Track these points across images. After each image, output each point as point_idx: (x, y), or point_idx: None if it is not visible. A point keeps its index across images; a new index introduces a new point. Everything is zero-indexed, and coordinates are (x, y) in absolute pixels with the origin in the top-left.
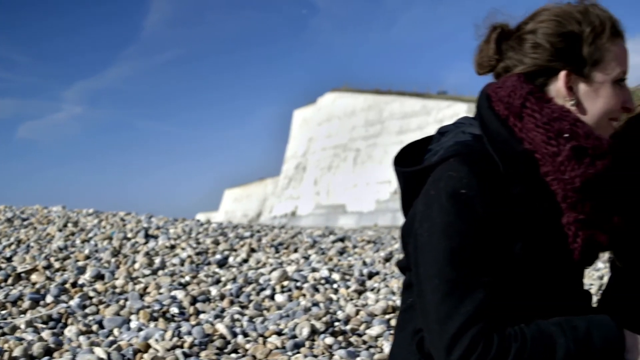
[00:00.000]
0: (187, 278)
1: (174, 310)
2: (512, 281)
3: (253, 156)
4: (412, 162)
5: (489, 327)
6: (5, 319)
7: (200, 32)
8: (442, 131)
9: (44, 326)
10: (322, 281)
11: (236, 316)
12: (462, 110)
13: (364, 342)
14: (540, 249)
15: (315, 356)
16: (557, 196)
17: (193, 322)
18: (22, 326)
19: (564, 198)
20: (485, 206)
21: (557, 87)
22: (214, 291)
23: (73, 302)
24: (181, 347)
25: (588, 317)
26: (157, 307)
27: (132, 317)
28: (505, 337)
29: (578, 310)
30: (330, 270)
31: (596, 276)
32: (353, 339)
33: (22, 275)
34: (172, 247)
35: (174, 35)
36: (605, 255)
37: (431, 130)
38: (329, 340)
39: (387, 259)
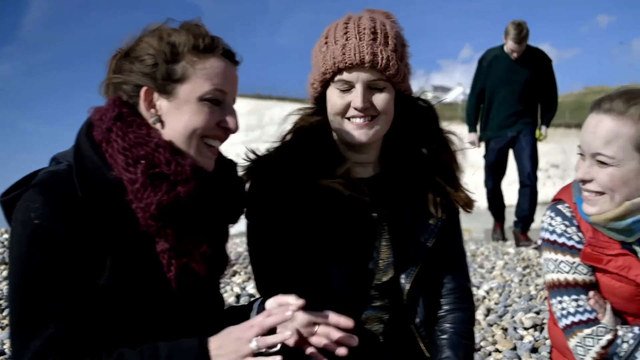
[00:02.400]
0: None
1: None
2: (105, 310)
3: None
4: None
5: None
6: None
7: (82, 32)
8: (54, 157)
9: None
10: None
11: None
12: None
13: None
14: (134, 278)
15: None
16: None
17: None
18: None
19: (146, 226)
20: (64, 236)
21: (142, 106)
22: None
23: None
24: None
25: (176, 342)
26: None
27: None
28: None
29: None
30: None
31: None
32: None
33: None
34: None
35: (55, 34)
36: None
37: None
38: None
39: None
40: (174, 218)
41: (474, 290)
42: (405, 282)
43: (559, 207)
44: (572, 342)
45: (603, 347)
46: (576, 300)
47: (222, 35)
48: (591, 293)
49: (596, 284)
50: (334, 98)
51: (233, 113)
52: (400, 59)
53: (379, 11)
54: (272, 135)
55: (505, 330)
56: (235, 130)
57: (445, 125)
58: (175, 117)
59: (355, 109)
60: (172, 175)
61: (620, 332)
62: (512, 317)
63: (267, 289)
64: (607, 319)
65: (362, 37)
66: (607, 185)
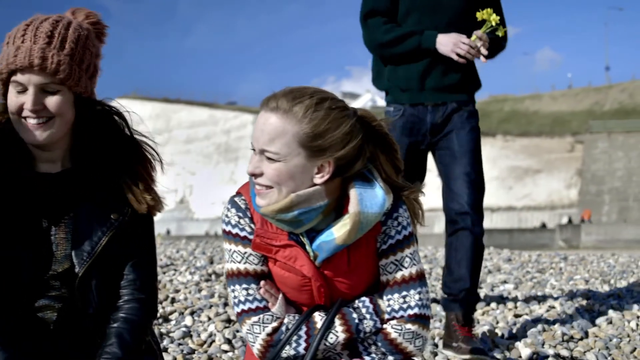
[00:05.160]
0: None
1: None
2: None
3: None
4: None
5: None
6: None
7: None
8: None
9: None
10: None
11: None
12: (249, 120)
13: None
14: None
15: None
16: None
17: None
18: None
19: None
20: None
21: None
22: None
23: None
24: None
25: None
26: None
27: None
28: None
29: None
30: None
31: None
32: None
33: None
34: None
35: None
36: None
37: (218, 140)
38: None
39: None
40: None
41: None
42: (78, 272)
43: (236, 199)
44: (243, 329)
45: (268, 334)
46: (247, 289)
47: (131, 38)
48: (262, 282)
49: (268, 273)
50: (11, 97)
51: None
52: (78, 62)
53: (79, 11)
54: (181, 139)
55: None
56: None
57: (141, 132)
58: None
59: (28, 110)
60: None
61: (286, 320)
62: None
63: None
64: (276, 308)
65: (37, 40)
66: (275, 179)
